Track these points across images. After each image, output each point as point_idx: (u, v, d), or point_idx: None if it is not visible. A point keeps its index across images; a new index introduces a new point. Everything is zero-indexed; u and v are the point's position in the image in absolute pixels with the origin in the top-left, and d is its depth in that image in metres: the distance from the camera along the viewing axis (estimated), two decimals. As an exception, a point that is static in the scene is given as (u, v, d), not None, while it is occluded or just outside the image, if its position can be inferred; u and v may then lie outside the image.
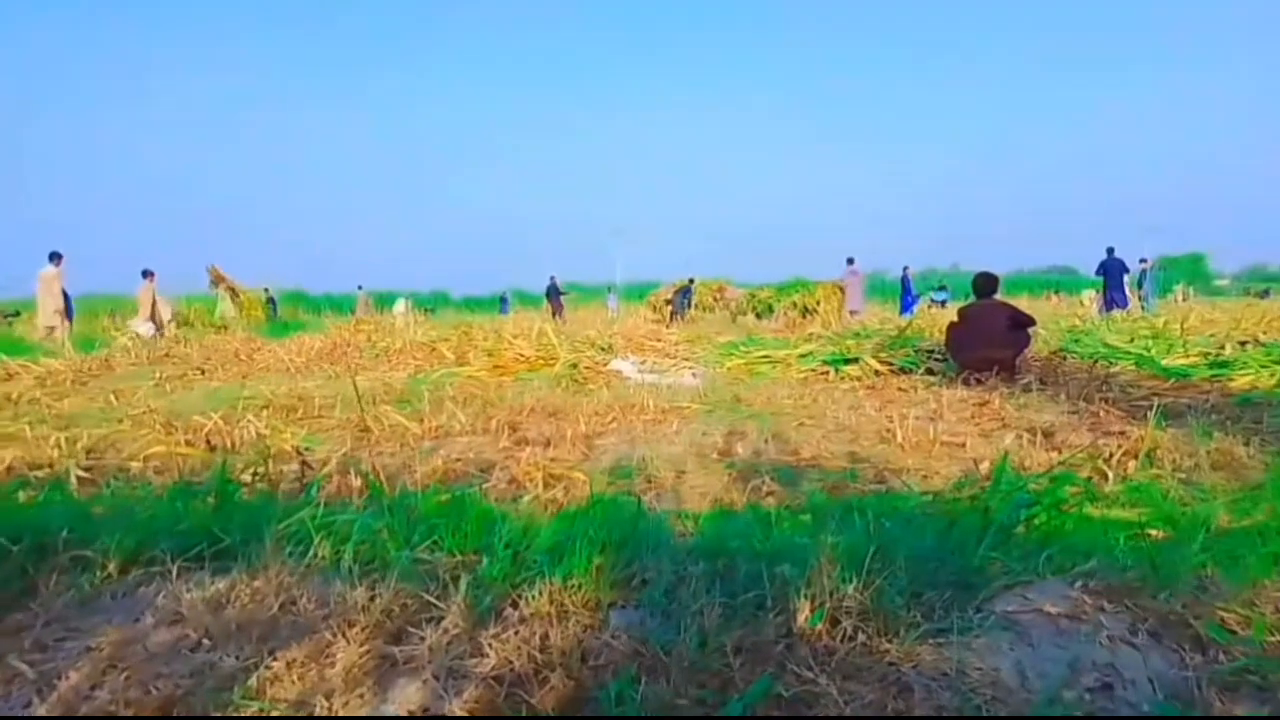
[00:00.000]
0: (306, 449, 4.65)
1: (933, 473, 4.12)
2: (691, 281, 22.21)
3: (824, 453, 4.73)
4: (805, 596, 1.84)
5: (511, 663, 1.79)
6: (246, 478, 3.70)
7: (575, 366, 8.72)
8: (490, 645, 1.85)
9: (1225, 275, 52.39)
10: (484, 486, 3.87)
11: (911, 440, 4.92)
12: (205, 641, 1.93)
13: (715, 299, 20.98)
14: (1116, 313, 17.39)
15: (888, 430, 5.16)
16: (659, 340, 11.18)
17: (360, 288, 32.12)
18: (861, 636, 1.79)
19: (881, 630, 1.80)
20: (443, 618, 1.98)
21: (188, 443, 4.92)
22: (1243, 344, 8.46)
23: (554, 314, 22.83)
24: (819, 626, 1.80)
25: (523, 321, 14.75)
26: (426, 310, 30.81)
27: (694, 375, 8.26)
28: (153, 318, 16.71)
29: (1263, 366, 6.91)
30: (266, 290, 26.41)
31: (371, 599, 2.08)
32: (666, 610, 1.98)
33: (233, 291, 22.91)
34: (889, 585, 1.92)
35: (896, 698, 1.63)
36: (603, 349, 9.94)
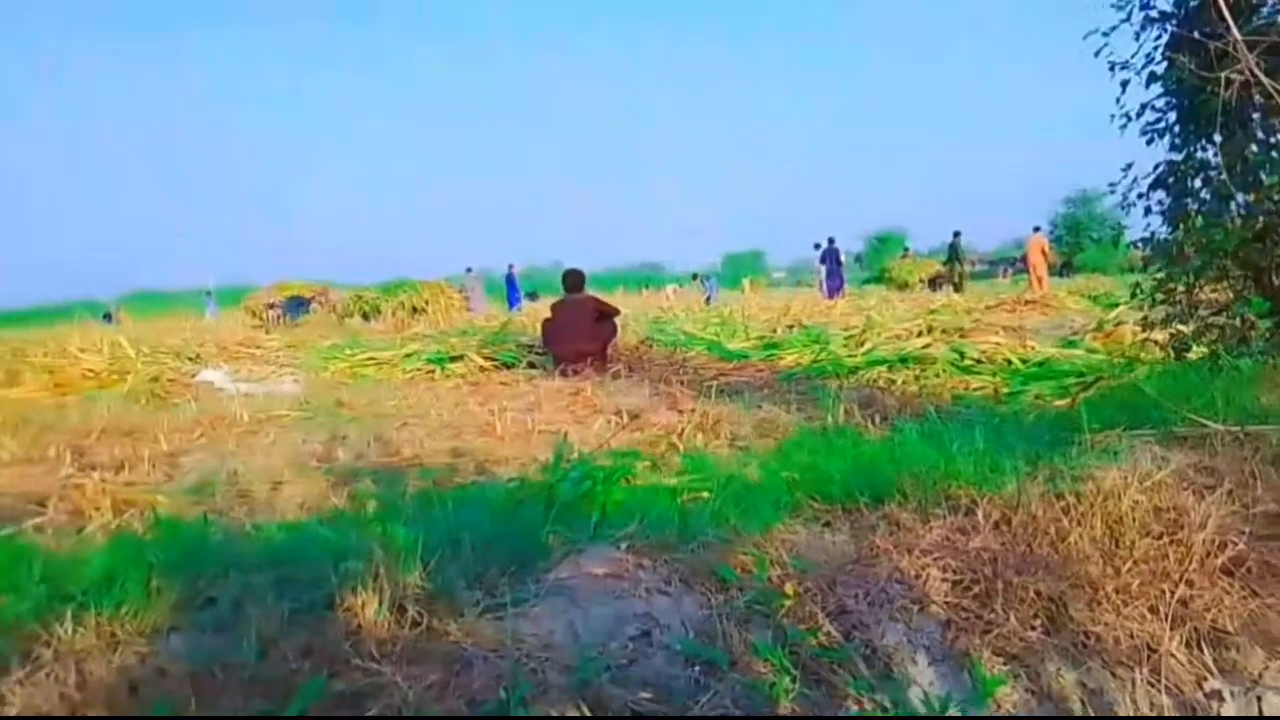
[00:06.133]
0: None
1: (531, 460, 4.35)
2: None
3: (426, 451, 4.79)
4: (372, 591, 1.88)
5: (40, 706, 1.63)
6: None
7: (156, 380, 7.93)
8: (14, 691, 1.66)
9: (781, 268, 59.72)
10: (33, 523, 3.43)
11: (511, 432, 5.15)
12: None
13: (319, 303, 20.15)
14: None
15: (489, 424, 5.34)
16: (257, 347, 10.50)
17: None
18: (427, 622, 1.86)
19: (446, 613, 1.90)
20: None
21: None
22: (790, 328, 9.95)
23: None
24: (386, 617, 1.85)
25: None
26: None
27: (295, 382, 7.90)
28: None
29: (804, 346, 8.20)
30: None
31: None
32: (230, 626, 1.91)
33: None
34: (454, 570, 2.02)
35: (458, 674, 1.73)
36: (189, 359, 9.13)
